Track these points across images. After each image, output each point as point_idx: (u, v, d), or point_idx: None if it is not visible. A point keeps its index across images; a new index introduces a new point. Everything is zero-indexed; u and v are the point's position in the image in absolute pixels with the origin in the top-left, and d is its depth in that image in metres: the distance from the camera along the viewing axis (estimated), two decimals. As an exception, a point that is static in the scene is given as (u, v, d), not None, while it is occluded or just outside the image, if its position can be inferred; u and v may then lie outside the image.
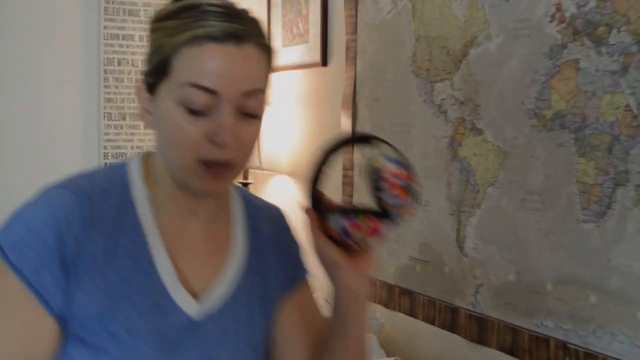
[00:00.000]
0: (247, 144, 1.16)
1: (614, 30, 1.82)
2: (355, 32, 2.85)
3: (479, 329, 2.25)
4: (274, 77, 3.44)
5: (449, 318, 2.37)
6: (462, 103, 2.32)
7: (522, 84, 2.09)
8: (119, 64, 3.33)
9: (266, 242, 1.36)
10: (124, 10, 3.35)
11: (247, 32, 1.12)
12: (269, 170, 3.26)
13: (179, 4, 1.14)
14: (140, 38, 3.38)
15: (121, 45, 3.35)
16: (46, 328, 1.08)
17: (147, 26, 1.19)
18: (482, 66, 2.24)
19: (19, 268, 1.05)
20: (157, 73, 1.14)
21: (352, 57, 2.87)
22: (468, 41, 2.28)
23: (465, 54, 2.30)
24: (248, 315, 1.27)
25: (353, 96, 2.86)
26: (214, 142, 1.10)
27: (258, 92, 1.15)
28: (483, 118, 2.23)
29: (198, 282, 1.22)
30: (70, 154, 3.28)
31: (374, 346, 2.39)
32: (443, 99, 2.39)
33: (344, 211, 1.20)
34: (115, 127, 3.35)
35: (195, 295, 1.20)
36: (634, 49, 1.77)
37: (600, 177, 1.87)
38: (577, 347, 1.94)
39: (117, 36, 3.33)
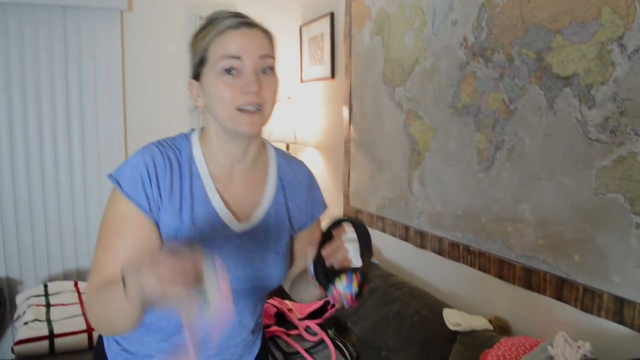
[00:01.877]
0: (270, 92, 1.10)
1: (495, 52, 1.86)
2: (350, 57, 2.90)
3: (421, 239, 2.32)
4: (304, 86, 3.44)
5: (404, 233, 2.45)
6: (410, 100, 2.36)
7: (444, 87, 2.13)
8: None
9: (293, 185, 1.27)
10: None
11: (254, 22, 1.11)
12: (302, 144, 3.33)
13: (203, 22, 1.14)
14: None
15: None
16: (148, 226, 1.09)
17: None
18: (422, 77, 2.27)
19: (128, 193, 1.07)
20: (199, 65, 1.11)
21: (348, 73, 2.91)
22: (413, 61, 2.33)
23: (412, 69, 2.34)
24: (275, 233, 1.22)
25: (349, 96, 2.91)
26: (245, 92, 1.07)
27: (268, 57, 1.10)
28: (422, 109, 2.28)
29: (240, 209, 1.18)
30: (180, 120, 3.40)
31: (357, 250, 2.48)
32: (400, 98, 2.44)
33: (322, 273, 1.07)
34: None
35: (238, 218, 1.17)
36: (507, 64, 1.81)
37: (487, 144, 1.91)
38: (474, 249, 2.00)
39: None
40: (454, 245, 2.10)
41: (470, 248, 2.01)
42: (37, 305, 2.60)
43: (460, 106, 2.04)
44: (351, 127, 2.90)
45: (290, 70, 3.74)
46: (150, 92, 3.33)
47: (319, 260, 1.06)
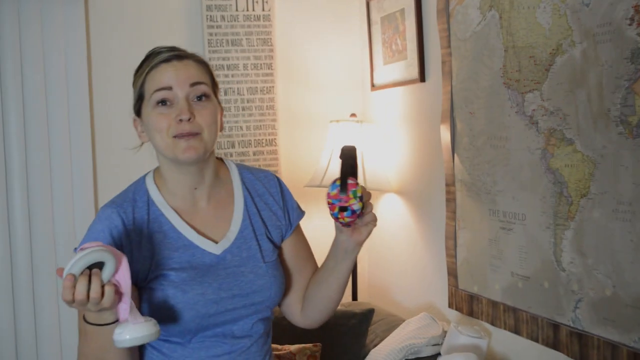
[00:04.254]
0: (206, 118, 1.71)
1: (691, 30, 1.80)
2: (449, 46, 2.89)
3: (580, 346, 2.23)
4: (377, 95, 3.47)
5: (552, 335, 2.36)
6: (551, 113, 2.32)
7: (607, 91, 2.08)
8: (225, 93, 3.51)
9: (264, 195, 1.90)
10: (227, 41, 3.53)
11: (186, 54, 1.77)
12: (376, 190, 3.32)
13: (142, 61, 1.78)
14: (245, 67, 3.54)
15: (226, 75, 3.52)
16: None
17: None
18: (568, 74, 2.23)
19: None
20: (138, 101, 1.76)
21: (447, 71, 2.91)
22: (553, 49, 2.29)
23: (552, 62, 2.30)
24: (255, 245, 1.81)
25: (451, 110, 2.90)
26: (178, 120, 1.67)
27: (200, 84, 1.72)
28: (572, 128, 2.23)
29: (214, 231, 1.79)
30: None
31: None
32: (534, 110, 2.40)
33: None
34: (227, 154, 3.53)
35: (214, 241, 1.77)
36: None
37: (687, 184, 1.84)
38: (675, 363, 1.91)
39: (222, 67, 3.51)
40: (638, 358, 2.01)
41: (667, 362, 1.92)
42: None
43: (636, 121, 1.98)
44: (455, 159, 2.88)
45: (353, 70, 3.77)
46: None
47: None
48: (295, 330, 2.98)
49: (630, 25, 1.99)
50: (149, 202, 1.77)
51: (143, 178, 1.84)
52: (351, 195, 1.60)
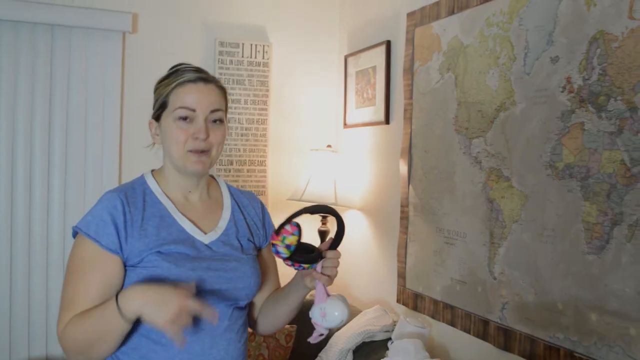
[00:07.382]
0: (217, 138, 1.67)
1: (612, 99, 1.84)
2: (411, 97, 2.91)
3: (505, 339, 2.25)
4: (348, 132, 3.46)
5: (482, 329, 2.38)
6: (493, 155, 2.34)
7: (540, 141, 2.11)
8: (228, 122, 3.47)
9: (248, 207, 1.87)
10: (233, 80, 3.52)
11: (210, 78, 1.69)
12: (344, 206, 3.32)
13: (168, 72, 1.72)
14: (245, 102, 3.53)
15: (230, 108, 3.49)
16: (112, 263, 1.59)
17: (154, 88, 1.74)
18: (509, 126, 2.26)
19: (92, 236, 1.59)
20: (160, 108, 1.68)
21: (408, 117, 2.92)
22: (498, 106, 2.32)
23: (496, 116, 2.33)
24: (237, 243, 1.75)
25: (409, 148, 2.91)
26: (194, 138, 1.64)
27: (218, 111, 1.67)
28: (509, 168, 2.26)
29: (204, 226, 1.72)
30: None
31: (419, 349, 2.42)
32: (478, 152, 2.42)
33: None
34: (225, 170, 3.51)
35: (203, 232, 1.71)
36: (627, 114, 1.79)
37: (600, 217, 1.87)
38: (581, 356, 1.92)
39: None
40: (552, 350, 2.03)
41: (575, 354, 1.94)
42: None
43: (562, 166, 2.01)
44: (410, 187, 2.89)
45: (330, 111, 3.77)
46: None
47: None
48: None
49: (562, 92, 2.02)
50: (146, 191, 1.70)
51: (142, 175, 1.77)
52: (280, 238, 1.52)
